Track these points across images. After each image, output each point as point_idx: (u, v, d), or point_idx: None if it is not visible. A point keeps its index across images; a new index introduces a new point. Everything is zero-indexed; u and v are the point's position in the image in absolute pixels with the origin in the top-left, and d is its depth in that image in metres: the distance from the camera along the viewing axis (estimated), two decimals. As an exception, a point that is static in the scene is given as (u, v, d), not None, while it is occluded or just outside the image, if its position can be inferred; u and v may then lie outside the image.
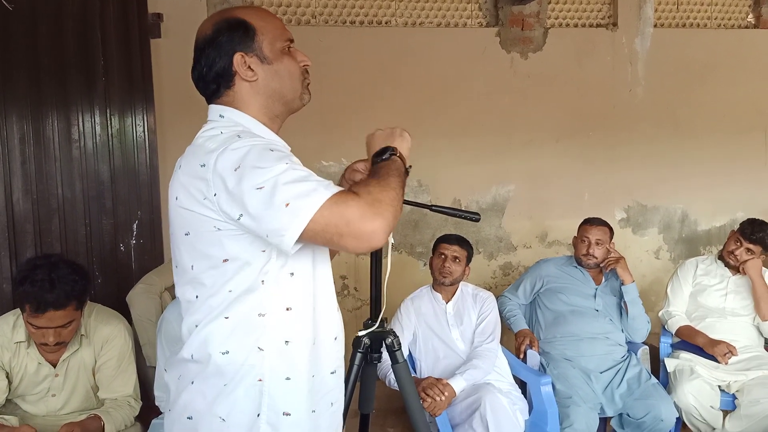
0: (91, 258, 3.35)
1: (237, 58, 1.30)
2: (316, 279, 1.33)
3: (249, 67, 1.31)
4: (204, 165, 1.19)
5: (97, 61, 3.31)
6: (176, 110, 3.58)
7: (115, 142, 3.38)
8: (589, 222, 3.22)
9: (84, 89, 3.30)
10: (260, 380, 1.25)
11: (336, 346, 1.38)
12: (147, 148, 3.43)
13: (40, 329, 2.11)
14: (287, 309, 1.27)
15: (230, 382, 1.25)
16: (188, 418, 1.27)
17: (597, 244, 3.14)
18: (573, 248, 3.29)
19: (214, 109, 1.34)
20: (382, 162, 1.34)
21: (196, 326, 1.27)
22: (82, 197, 3.32)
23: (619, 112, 4.20)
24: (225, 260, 1.23)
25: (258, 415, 1.25)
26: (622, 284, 3.06)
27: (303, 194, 1.13)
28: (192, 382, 1.27)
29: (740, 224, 3.24)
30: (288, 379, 1.27)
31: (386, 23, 3.98)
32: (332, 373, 1.37)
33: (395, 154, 1.37)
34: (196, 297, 1.27)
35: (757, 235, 3.13)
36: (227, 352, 1.24)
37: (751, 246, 3.13)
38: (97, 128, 3.34)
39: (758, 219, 3.21)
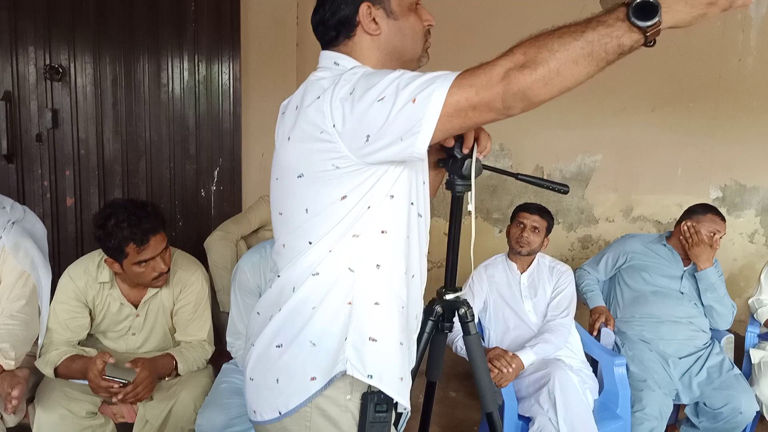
0: (173, 201, 3.45)
1: (363, 8, 1.25)
2: (413, 208, 1.29)
3: (374, 19, 1.26)
4: (320, 97, 1.16)
5: (188, 7, 3.35)
6: (261, 61, 3.59)
7: (202, 88, 3.43)
8: (709, 209, 3.00)
9: (174, 35, 3.35)
10: (350, 303, 1.23)
11: (421, 287, 1.37)
12: (231, 96, 3.47)
13: (149, 262, 2.19)
14: (382, 232, 1.24)
15: (319, 304, 1.23)
16: (277, 346, 1.26)
17: (712, 236, 2.93)
18: (662, 225, 3.10)
19: (329, 56, 1.29)
20: (615, 16, 1.00)
21: (314, 274, 1.24)
22: (168, 141, 3.41)
23: (724, 82, 3.90)
24: (343, 197, 1.19)
25: (345, 338, 1.23)
26: (697, 269, 2.88)
27: (427, 82, 1.06)
28: (280, 309, 1.26)
29: None
30: (377, 304, 1.25)
31: (480, -23, 3.81)
32: (416, 317, 1.37)
33: (645, 30, 0.99)
34: (310, 243, 1.24)
35: None
36: (318, 274, 1.23)
37: None
38: (185, 74, 3.40)
39: None
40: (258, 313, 1.35)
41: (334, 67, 1.27)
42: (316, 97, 1.17)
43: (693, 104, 3.91)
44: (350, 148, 1.14)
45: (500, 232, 3.97)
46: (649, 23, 0.99)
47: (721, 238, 2.95)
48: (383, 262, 1.25)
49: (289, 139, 1.22)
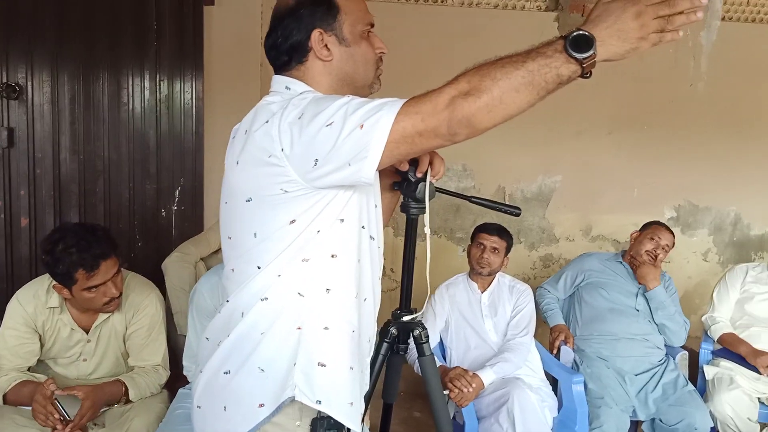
0: (132, 221, 3.40)
1: (315, 34, 1.27)
2: (364, 231, 1.29)
3: (326, 45, 1.28)
4: (268, 121, 1.16)
5: (150, 25, 3.33)
6: (225, 80, 3.59)
7: (163, 107, 3.40)
8: (661, 225, 3.16)
9: (135, 53, 3.32)
10: (299, 328, 1.23)
11: (374, 311, 1.37)
12: (194, 115, 3.44)
13: (100, 287, 2.14)
14: (332, 256, 1.24)
15: (268, 330, 1.23)
16: (225, 373, 1.25)
17: (664, 248, 3.05)
18: (620, 244, 3.19)
19: (280, 81, 1.30)
20: (554, 48, 1.05)
21: (263, 299, 1.23)
22: (127, 160, 3.37)
23: (677, 106, 4.03)
24: (292, 221, 1.20)
25: (294, 364, 1.22)
26: (646, 290, 2.96)
27: (375, 109, 1.09)
28: (228, 335, 1.25)
29: None
30: (326, 329, 1.25)
31: (442, 2, 3.89)
32: (369, 341, 1.36)
33: (581, 61, 1.05)
34: (258, 267, 1.23)
35: None
36: (266, 299, 1.23)
37: None
38: (146, 93, 3.37)
39: None
40: (207, 338, 1.33)
41: (285, 91, 1.28)
42: (264, 121, 1.17)
43: (647, 127, 4.02)
44: (298, 172, 1.15)
45: (463, 251, 4.00)
46: (584, 55, 1.04)
47: (668, 250, 3.04)
48: (333, 286, 1.25)
49: (237, 163, 1.22)
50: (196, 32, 3.41)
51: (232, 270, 1.29)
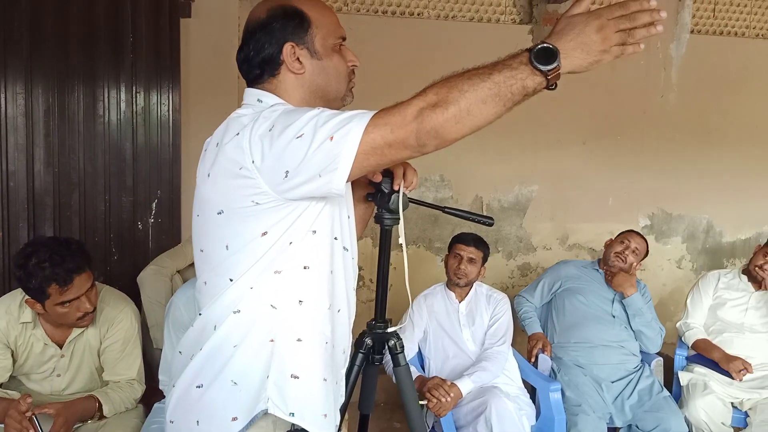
0: (108, 234, 3.37)
1: (287, 48, 1.27)
2: (336, 243, 1.30)
3: (298, 59, 1.28)
4: (239, 134, 1.17)
5: (126, 37, 3.31)
6: (202, 92, 3.58)
7: (139, 119, 3.38)
8: (633, 232, 3.23)
9: (111, 65, 3.30)
10: (272, 340, 1.23)
11: (348, 322, 1.38)
12: (171, 127, 3.43)
13: (74, 302, 2.11)
14: (304, 267, 1.24)
15: (241, 342, 1.23)
16: (198, 387, 1.25)
17: (634, 251, 3.11)
18: (596, 252, 3.24)
19: (252, 93, 1.31)
20: (519, 60, 1.08)
21: (235, 312, 1.23)
22: (103, 173, 3.34)
23: (649, 117, 4.11)
24: (264, 233, 1.20)
25: (267, 377, 1.23)
26: (624, 297, 3.01)
27: (344, 121, 1.10)
28: (201, 348, 1.25)
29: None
30: (299, 340, 1.25)
31: (418, 15, 3.93)
32: (342, 352, 1.37)
33: (546, 73, 1.07)
34: (231, 280, 1.23)
35: None
36: (239, 311, 1.23)
37: None
38: (122, 105, 3.35)
39: None
40: (180, 352, 1.33)
41: (257, 104, 1.28)
42: (235, 133, 1.18)
43: (621, 138, 4.10)
44: (269, 184, 1.15)
45: (441, 261, 4.03)
46: (549, 67, 1.06)
47: (640, 255, 3.10)
48: (306, 298, 1.25)
49: (209, 175, 1.22)
50: (172, 44, 3.41)
51: (205, 283, 1.29)
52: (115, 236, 3.39)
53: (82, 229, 3.29)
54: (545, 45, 1.07)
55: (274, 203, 1.18)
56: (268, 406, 1.22)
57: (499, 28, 3.97)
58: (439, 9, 3.94)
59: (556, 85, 1.10)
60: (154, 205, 3.44)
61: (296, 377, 1.24)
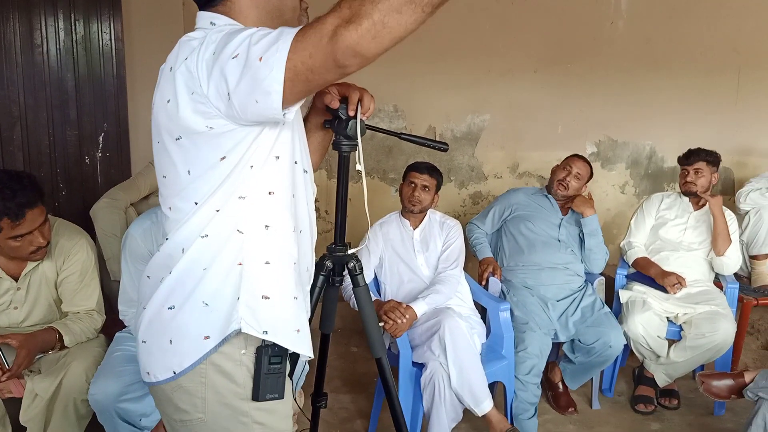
0: (54, 169, 3.30)
1: None
2: (297, 166, 1.31)
3: None
4: (187, 58, 1.15)
5: (61, -39, 3.15)
6: (145, 20, 3.45)
7: (80, 49, 3.26)
8: (576, 156, 3.30)
9: (47, -8, 3.15)
10: (240, 264, 1.25)
11: (311, 241, 1.41)
12: (114, 57, 3.32)
13: (26, 236, 2.10)
14: (269, 193, 1.26)
15: (210, 266, 1.25)
16: (169, 308, 1.27)
17: (576, 176, 3.20)
18: (545, 179, 3.33)
19: (205, 16, 1.28)
20: None
21: (203, 237, 1.25)
22: (45, 106, 3.24)
23: (598, 44, 4.15)
24: (222, 158, 1.20)
25: (238, 298, 1.26)
26: (582, 216, 3.13)
27: (272, 41, 1.06)
28: (170, 272, 1.27)
29: (677, 159, 3.41)
30: (267, 263, 1.28)
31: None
32: (307, 270, 1.40)
33: None
34: (196, 204, 1.24)
35: (693, 157, 3.29)
36: (206, 236, 1.24)
37: (695, 166, 3.27)
38: (61, 34, 3.22)
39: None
40: (148, 276, 1.35)
41: (210, 27, 1.26)
42: (184, 58, 1.17)
43: (571, 65, 4.14)
44: (218, 108, 1.15)
45: (396, 191, 4.08)
46: None
47: (582, 179, 3.24)
48: (272, 223, 1.28)
49: (168, 101, 1.21)
50: (111, -32, 3.25)
51: (170, 208, 1.29)
52: (62, 171, 3.32)
53: (26, 164, 3.21)
54: None
55: (227, 127, 1.17)
56: (241, 326, 1.25)
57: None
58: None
59: None
60: (100, 138, 3.36)
61: (267, 298, 1.28)
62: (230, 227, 1.25)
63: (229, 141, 1.19)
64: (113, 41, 3.30)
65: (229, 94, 1.11)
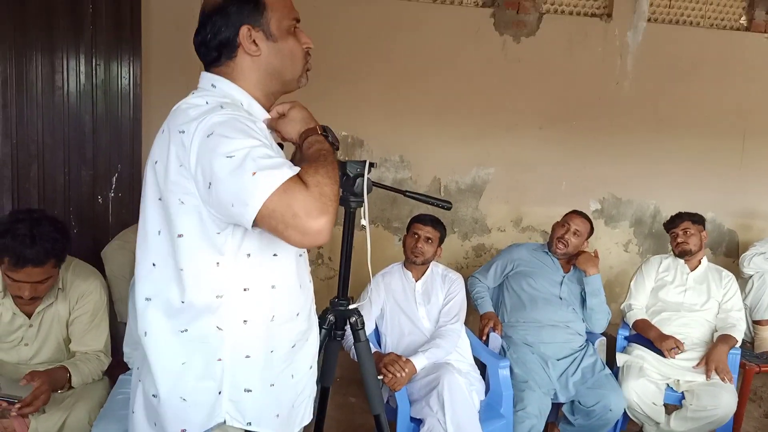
0: (68, 207, 3.35)
1: (243, 30, 1.30)
2: (275, 258, 1.33)
3: (254, 41, 1.32)
4: (183, 131, 1.19)
5: (86, 7, 3.27)
6: (163, 65, 3.56)
7: (99, 92, 3.35)
8: (575, 212, 3.33)
9: (71, 35, 3.26)
10: (220, 359, 1.28)
11: (298, 321, 1.40)
12: (131, 100, 3.41)
13: (17, 282, 2.13)
14: (244, 290, 1.28)
15: (189, 360, 1.27)
16: (153, 395, 1.31)
17: (575, 233, 3.22)
18: (548, 234, 3.36)
19: (207, 78, 1.34)
20: (323, 145, 1.30)
21: (147, 300, 1.30)
22: (62, 145, 3.31)
23: (603, 103, 4.24)
24: (180, 235, 1.23)
25: (219, 392, 1.28)
26: (585, 275, 3.15)
27: (270, 166, 1.13)
28: (148, 361, 1.30)
29: (663, 225, 3.48)
30: (248, 357, 1.30)
31: (382, -6, 3.95)
32: (292, 347, 1.39)
33: (335, 145, 1.36)
34: (153, 265, 1.28)
35: (677, 220, 3.36)
36: (186, 331, 1.27)
37: (682, 227, 3.32)
38: (82, 76, 3.31)
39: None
40: (137, 367, 1.40)
41: (211, 89, 1.32)
42: (179, 131, 1.21)
43: (576, 123, 4.22)
44: (197, 189, 1.19)
45: (399, 240, 4.12)
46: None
47: (581, 236, 3.25)
48: (250, 318, 1.30)
49: (156, 162, 1.26)
50: (133, 16, 3.38)
51: (153, 264, 1.33)
52: (75, 210, 3.37)
53: (41, 202, 3.27)
54: (323, 127, 1.38)
55: (196, 208, 1.21)
56: (225, 419, 1.29)
57: (461, 10, 4.03)
58: (404, -11, 3.97)
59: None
60: (114, 178, 3.43)
61: (249, 391, 1.31)
62: (210, 325, 1.27)
63: (190, 221, 1.24)
64: (131, 85, 3.39)
65: (210, 184, 1.16)
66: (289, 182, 1.12)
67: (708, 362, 3.02)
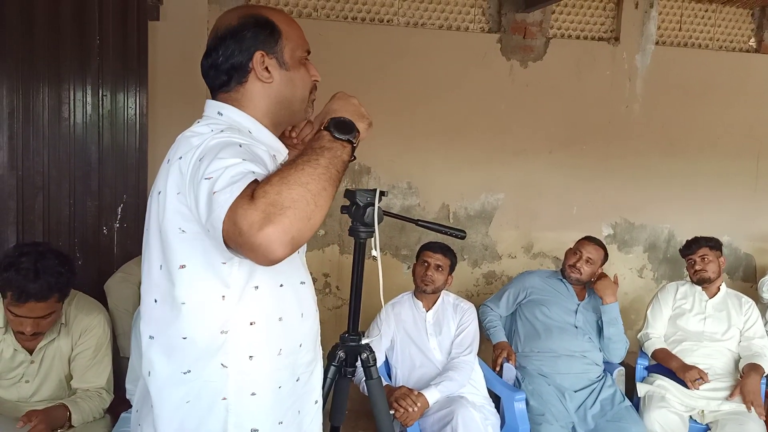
0: (72, 239, 3.31)
1: (257, 56, 1.28)
2: (281, 289, 1.28)
3: (266, 68, 1.29)
4: (182, 158, 1.17)
5: (93, 39, 3.26)
6: (169, 96, 3.55)
7: (106, 123, 3.33)
8: (588, 239, 3.25)
9: (77, 67, 3.25)
10: (224, 399, 1.23)
11: (301, 352, 1.35)
12: (138, 131, 3.39)
13: (19, 317, 2.09)
14: (251, 324, 1.23)
15: (194, 399, 1.23)
16: None
17: (587, 261, 3.14)
18: (560, 261, 3.29)
19: (213, 105, 1.30)
20: (327, 140, 1.18)
21: (151, 338, 1.25)
22: (68, 177, 3.28)
23: (613, 127, 4.20)
24: (182, 266, 1.19)
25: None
26: (602, 303, 3.06)
27: (229, 183, 1.06)
28: (152, 406, 1.25)
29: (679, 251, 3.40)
30: (254, 394, 1.25)
31: (388, 21, 3.95)
32: (297, 380, 1.35)
33: (353, 141, 1.21)
34: (155, 301, 1.24)
35: (694, 246, 3.28)
36: (189, 372, 1.22)
37: (700, 253, 3.24)
38: (88, 108, 3.30)
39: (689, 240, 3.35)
40: (137, 410, 1.35)
41: (217, 117, 1.28)
42: (179, 157, 1.18)
43: (586, 147, 4.18)
44: (192, 214, 1.15)
45: (408, 268, 4.06)
46: (352, 135, 1.20)
47: (594, 263, 3.18)
48: (256, 353, 1.25)
49: (159, 193, 1.23)
50: (140, 47, 3.37)
51: (155, 300, 1.28)
52: (80, 241, 3.33)
53: (46, 234, 3.22)
54: (336, 119, 1.22)
55: (198, 236, 1.17)
56: None
57: (467, 36, 4.02)
58: (409, 16, 3.97)
59: (355, 157, 1.22)
60: (119, 209, 3.39)
61: (256, 430, 1.25)
62: (213, 362, 1.22)
63: (193, 251, 1.19)
64: (138, 115, 3.37)
65: (197, 206, 1.12)
66: (238, 198, 1.04)
67: (744, 393, 2.92)
